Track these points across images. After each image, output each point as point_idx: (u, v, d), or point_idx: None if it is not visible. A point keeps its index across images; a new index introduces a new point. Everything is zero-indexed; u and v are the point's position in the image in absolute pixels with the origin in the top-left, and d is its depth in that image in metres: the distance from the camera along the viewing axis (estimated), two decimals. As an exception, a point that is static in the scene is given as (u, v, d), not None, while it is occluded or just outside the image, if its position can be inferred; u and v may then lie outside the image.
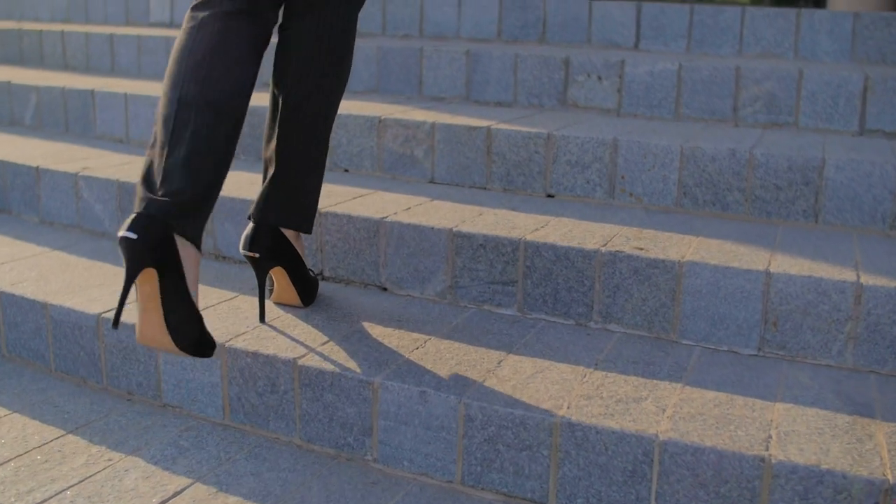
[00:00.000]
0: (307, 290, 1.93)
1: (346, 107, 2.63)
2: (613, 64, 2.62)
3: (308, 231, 1.86)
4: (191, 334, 1.54)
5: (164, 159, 1.51)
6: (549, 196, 2.30)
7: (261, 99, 2.71)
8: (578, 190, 2.26)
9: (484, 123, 2.37)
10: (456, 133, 2.36)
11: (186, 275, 1.52)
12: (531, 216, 2.08)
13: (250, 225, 1.82)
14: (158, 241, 1.47)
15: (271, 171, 1.80)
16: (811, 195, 2.08)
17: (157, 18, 4.07)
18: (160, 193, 1.50)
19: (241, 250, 1.82)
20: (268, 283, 1.99)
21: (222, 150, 1.56)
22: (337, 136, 2.52)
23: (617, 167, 2.22)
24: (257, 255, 1.81)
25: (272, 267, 1.84)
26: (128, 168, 2.53)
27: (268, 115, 1.83)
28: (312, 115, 1.79)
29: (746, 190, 2.12)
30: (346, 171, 2.53)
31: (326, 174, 2.51)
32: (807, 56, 2.85)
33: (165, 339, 1.51)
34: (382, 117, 2.46)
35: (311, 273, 1.98)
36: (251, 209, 1.83)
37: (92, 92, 3.02)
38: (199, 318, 1.55)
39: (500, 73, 2.75)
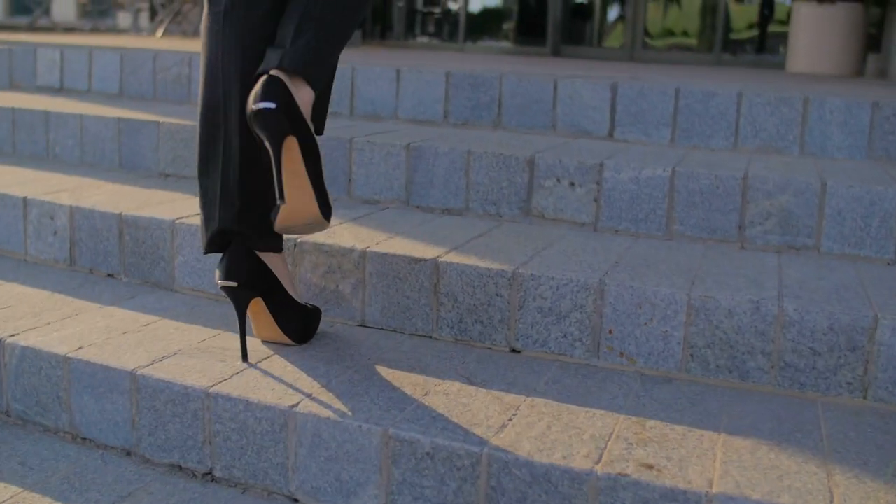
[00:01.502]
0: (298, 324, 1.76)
1: (256, 219, 2.09)
2: (590, 167, 2.11)
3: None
4: (328, 200, 1.56)
5: None
6: (515, 351, 1.77)
7: (147, 207, 2.15)
8: (552, 345, 1.74)
9: (430, 253, 1.84)
10: (393, 265, 1.83)
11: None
12: (493, 395, 1.55)
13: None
14: (292, 105, 1.48)
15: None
16: (859, 364, 1.58)
17: (45, 82, 3.48)
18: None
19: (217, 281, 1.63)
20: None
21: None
22: (242, 259, 1.98)
23: (603, 318, 1.70)
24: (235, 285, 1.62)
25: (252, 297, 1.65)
26: (-32, 302, 1.95)
27: None
28: None
29: (773, 354, 1.62)
30: (254, 304, 1.99)
31: (230, 314, 1.97)
32: (815, 152, 2.39)
33: (316, 212, 1.52)
34: (298, 240, 1.92)
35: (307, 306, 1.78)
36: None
37: (-58, 186, 2.43)
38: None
39: (447, 172, 2.23)
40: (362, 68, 2.85)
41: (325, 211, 1.54)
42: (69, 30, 14.68)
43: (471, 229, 2.08)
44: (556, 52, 9.61)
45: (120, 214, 2.12)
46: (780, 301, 1.62)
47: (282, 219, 1.50)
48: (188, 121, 2.59)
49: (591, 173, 2.11)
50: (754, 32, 9.48)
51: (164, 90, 3.16)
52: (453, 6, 10.78)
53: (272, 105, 1.45)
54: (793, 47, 6.33)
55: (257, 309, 1.71)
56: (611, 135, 2.54)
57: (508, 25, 10.56)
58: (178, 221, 2.06)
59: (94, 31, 16.05)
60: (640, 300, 1.67)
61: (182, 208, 2.18)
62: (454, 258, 1.81)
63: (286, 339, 1.73)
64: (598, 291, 1.70)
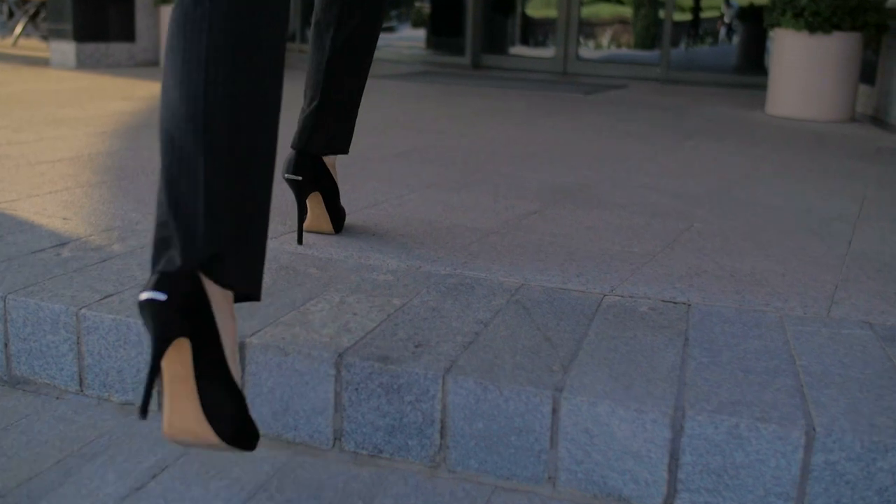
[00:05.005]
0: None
1: None
2: None
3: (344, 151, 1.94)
4: (233, 419, 1.13)
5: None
6: None
7: None
8: None
9: None
10: None
11: (223, 340, 1.13)
12: None
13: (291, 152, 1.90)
14: (192, 299, 1.12)
15: (315, 102, 1.87)
16: None
17: None
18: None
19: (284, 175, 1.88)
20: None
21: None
22: None
23: None
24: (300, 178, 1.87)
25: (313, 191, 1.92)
26: None
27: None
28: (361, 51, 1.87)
29: None
30: None
31: None
32: None
33: (204, 430, 1.12)
34: None
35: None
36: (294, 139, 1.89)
37: None
38: (242, 398, 1.15)
39: None
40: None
41: (222, 429, 1.09)
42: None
43: None
44: (477, 63, 8.30)
45: None
46: None
47: (165, 429, 1.10)
48: None
49: None
50: (707, 39, 8.26)
51: None
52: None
53: (162, 297, 1.08)
54: (775, 85, 5.14)
55: (314, 203, 1.96)
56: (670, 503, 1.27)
57: (421, 24, 9.18)
58: None
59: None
60: None
61: None
62: None
63: (331, 229, 2.01)
64: None
